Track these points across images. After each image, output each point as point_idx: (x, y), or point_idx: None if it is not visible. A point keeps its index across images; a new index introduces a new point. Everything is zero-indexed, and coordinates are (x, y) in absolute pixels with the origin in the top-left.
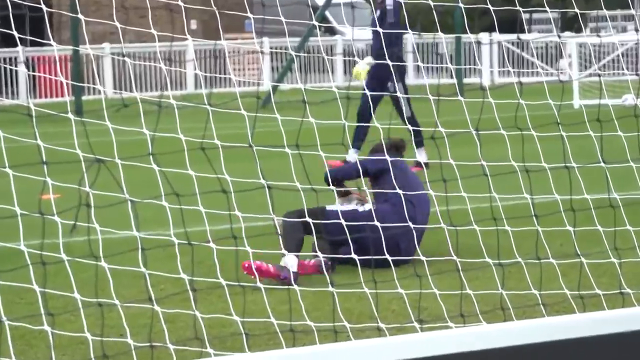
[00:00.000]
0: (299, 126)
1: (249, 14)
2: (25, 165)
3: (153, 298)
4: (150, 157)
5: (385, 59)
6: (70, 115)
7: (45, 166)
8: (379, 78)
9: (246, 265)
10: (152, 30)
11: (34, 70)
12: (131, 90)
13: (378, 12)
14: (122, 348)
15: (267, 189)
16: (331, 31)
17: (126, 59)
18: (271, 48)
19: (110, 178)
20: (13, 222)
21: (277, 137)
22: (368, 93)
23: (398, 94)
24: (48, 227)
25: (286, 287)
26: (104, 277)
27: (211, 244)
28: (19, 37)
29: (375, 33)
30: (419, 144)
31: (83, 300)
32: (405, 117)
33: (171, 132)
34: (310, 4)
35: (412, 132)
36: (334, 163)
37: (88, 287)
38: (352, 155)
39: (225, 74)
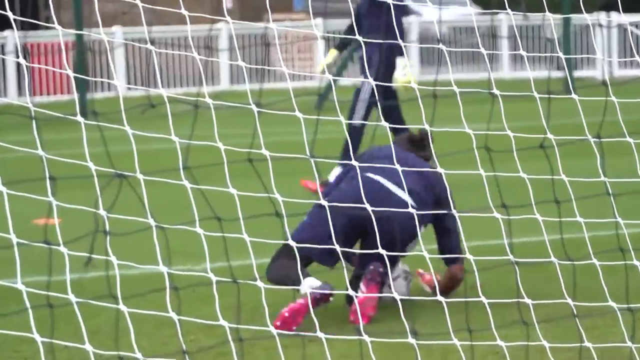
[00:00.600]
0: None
1: None
2: (24, 182)
3: (185, 351)
4: (181, 171)
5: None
6: (80, 118)
7: (48, 182)
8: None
9: (278, 323)
10: (183, 11)
11: (26, 61)
12: (149, 86)
13: None
14: None
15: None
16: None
17: (150, 46)
18: (327, 32)
19: (130, 198)
20: (7, 253)
21: (337, 145)
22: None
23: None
24: (47, 259)
25: (356, 337)
26: (121, 323)
27: (258, 282)
28: (8, 19)
29: (365, 16)
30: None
31: (96, 353)
32: (352, 124)
33: (206, 139)
34: None
35: (347, 141)
36: (308, 184)
37: (101, 337)
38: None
39: (270, 65)
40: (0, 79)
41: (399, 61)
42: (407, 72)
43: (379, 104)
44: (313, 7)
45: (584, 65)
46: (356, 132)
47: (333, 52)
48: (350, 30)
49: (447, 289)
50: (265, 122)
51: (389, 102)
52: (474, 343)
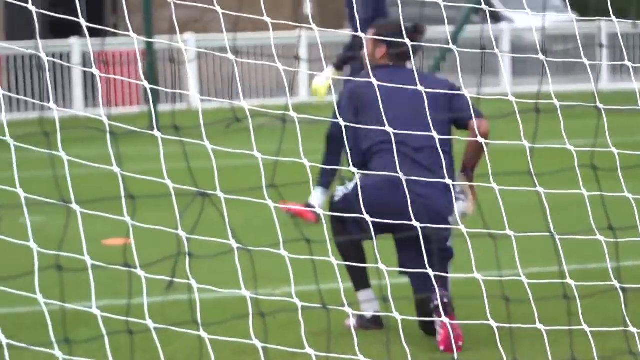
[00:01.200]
0: (455, 148)
1: None
2: (101, 201)
3: None
4: (264, 190)
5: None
6: (157, 133)
7: (123, 201)
8: None
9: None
10: (265, 18)
11: (94, 69)
12: (223, 97)
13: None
14: None
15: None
16: (495, 17)
17: (230, 55)
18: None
19: (210, 217)
20: (74, 275)
21: None
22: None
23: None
24: (120, 283)
25: None
26: (197, 351)
27: (346, 308)
28: (73, 25)
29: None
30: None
31: None
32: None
33: (289, 154)
34: None
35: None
36: (288, 207)
37: None
38: (317, 197)
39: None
40: (66, 89)
41: (326, 69)
42: (325, 82)
43: None
44: (395, 11)
45: None
46: (336, 144)
47: (331, 70)
48: (349, 49)
49: (476, 151)
50: None
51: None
52: None
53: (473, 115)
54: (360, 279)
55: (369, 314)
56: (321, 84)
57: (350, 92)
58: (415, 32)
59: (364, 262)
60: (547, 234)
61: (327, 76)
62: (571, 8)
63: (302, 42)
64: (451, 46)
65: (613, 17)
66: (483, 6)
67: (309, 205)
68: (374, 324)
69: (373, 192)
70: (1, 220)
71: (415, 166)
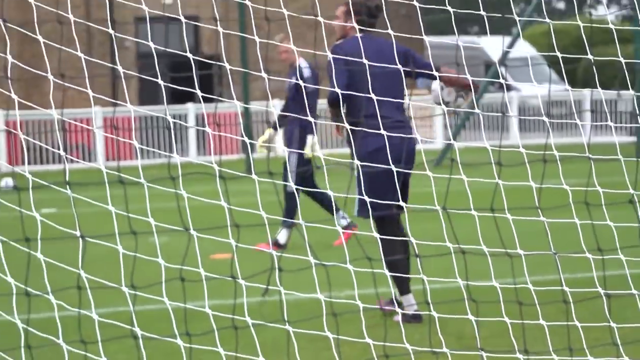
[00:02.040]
0: (479, 187)
1: (422, 71)
2: (215, 228)
3: None
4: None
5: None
6: (254, 176)
7: (229, 227)
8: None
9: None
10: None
11: (204, 128)
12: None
13: (293, 77)
14: None
15: (457, 252)
16: (504, 87)
17: (310, 117)
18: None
19: (295, 240)
20: (197, 283)
21: (459, 198)
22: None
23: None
24: (227, 287)
25: (473, 352)
26: (282, 341)
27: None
28: (188, 93)
29: (292, 99)
30: (286, 223)
31: None
32: (286, 189)
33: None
34: (484, 60)
35: (285, 207)
36: (261, 247)
37: (268, 349)
38: (284, 235)
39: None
40: (183, 141)
41: (309, 139)
42: (314, 149)
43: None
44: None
45: None
46: (292, 197)
47: (269, 130)
48: (284, 110)
49: (452, 78)
50: None
51: (305, 168)
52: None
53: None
54: (405, 287)
55: (410, 312)
56: (262, 138)
57: (340, 58)
58: (377, 9)
59: (408, 273)
60: (549, 252)
61: (267, 133)
62: (564, 80)
63: None
64: (476, 110)
65: (599, 89)
66: (500, 80)
67: (278, 245)
68: (415, 319)
69: (378, 174)
70: (137, 240)
71: (398, 112)
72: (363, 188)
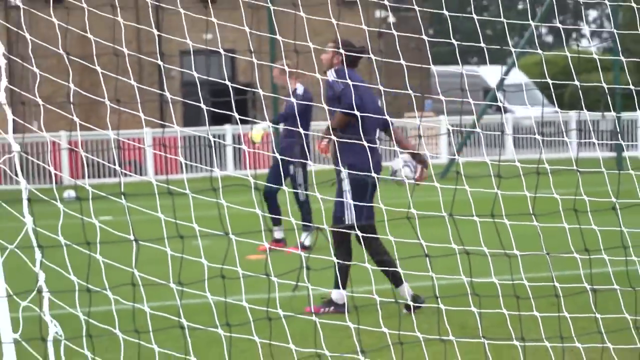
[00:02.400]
0: (480, 196)
1: (430, 96)
2: (250, 233)
3: (361, 350)
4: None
5: (292, 146)
6: (284, 187)
7: (263, 233)
8: (282, 160)
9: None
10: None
11: (241, 146)
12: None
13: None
14: None
15: (461, 253)
16: (501, 109)
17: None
18: (450, 126)
19: (320, 243)
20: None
21: (463, 206)
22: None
23: (297, 177)
24: (261, 283)
25: (477, 340)
26: (309, 329)
27: (408, 300)
28: (226, 116)
29: (292, 118)
30: (306, 227)
31: (297, 351)
32: (299, 199)
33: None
34: (483, 86)
35: (301, 214)
36: (292, 249)
37: (297, 338)
38: (308, 238)
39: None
40: (222, 157)
41: (263, 123)
42: (260, 131)
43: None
44: (437, 108)
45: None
46: (304, 205)
47: (268, 125)
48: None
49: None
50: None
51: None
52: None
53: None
54: (399, 280)
55: (408, 301)
56: (256, 133)
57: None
58: (361, 51)
59: (396, 267)
60: (542, 253)
61: (263, 127)
62: (554, 104)
63: None
64: (477, 130)
65: (584, 110)
66: (497, 103)
67: (277, 240)
68: (416, 301)
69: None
70: (183, 243)
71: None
72: (354, 197)
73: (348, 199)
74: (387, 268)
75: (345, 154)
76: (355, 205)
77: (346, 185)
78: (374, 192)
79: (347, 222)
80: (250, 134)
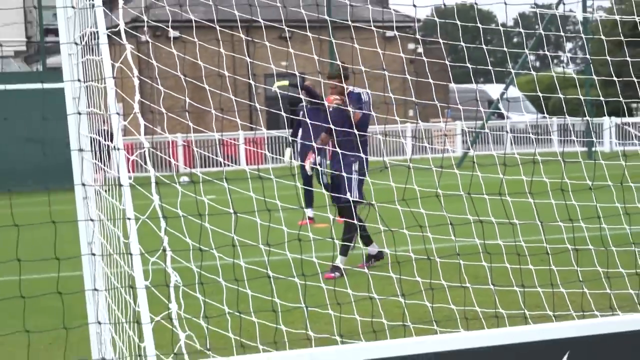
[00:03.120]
0: (489, 180)
1: (447, 105)
2: (319, 207)
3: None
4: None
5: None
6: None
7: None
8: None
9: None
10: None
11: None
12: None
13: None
14: None
15: (475, 222)
16: (501, 116)
17: (380, 135)
18: (466, 127)
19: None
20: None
21: (476, 187)
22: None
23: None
24: (327, 245)
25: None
26: (367, 281)
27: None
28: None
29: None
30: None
31: (354, 295)
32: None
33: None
34: (487, 99)
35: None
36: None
37: (356, 289)
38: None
39: (431, 144)
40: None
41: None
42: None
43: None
44: (455, 115)
45: (599, 144)
46: (327, 186)
47: (285, 83)
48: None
49: None
50: (417, 174)
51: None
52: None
53: None
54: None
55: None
56: (280, 83)
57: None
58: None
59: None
60: (536, 222)
61: (284, 82)
62: (541, 111)
63: (407, 130)
64: (485, 130)
65: (567, 116)
66: (498, 111)
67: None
68: (379, 255)
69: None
70: (270, 215)
71: None
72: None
73: (355, 183)
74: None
75: (356, 147)
76: (359, 186)
77: (355, 167)
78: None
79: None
80: (275, 84)
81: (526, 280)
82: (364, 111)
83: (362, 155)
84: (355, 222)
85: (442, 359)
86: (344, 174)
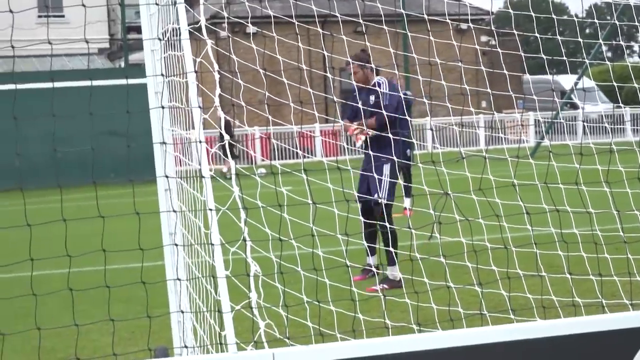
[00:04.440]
0: (564, 169)
1: (521, 96)
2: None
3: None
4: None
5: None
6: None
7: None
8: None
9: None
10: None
11: None
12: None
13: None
14: None
15: (552, 211)
16: (574, 106)
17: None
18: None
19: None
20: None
21: (551, 177)
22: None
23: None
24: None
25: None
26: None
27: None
28: None
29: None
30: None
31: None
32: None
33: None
34: (560, 90)
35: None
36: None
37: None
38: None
39: (505, 134)
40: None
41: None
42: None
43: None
44: (528, 106)
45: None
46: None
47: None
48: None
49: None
50: (493, 164)
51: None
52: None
53: None
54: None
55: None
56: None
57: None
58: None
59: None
60: (612, 210)
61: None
62: (615, 101)
63: (480, 121)
64: (559, 119)
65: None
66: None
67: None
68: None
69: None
70: (348, 205)
71: None
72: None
73: (385, 181)
74: (389, 248)
75: (389, 146)
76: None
77: (386, 170)
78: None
79: (380, 200)
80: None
81: (603, 269)
82: (386, 112)
83: (393, 157)
84: (390, 225)
85: (515, 348)
86: (375, 175)
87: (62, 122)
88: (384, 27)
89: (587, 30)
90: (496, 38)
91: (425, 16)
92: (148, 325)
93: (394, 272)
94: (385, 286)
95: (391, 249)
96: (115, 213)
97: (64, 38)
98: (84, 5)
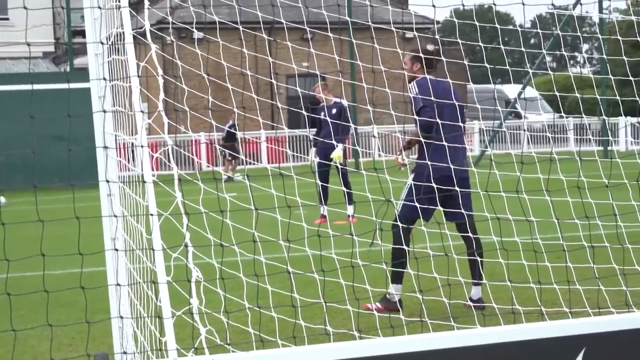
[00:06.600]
0: (506, 178)
1: (467, 104)
2: (337, 203)
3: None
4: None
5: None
6: (364, 172)
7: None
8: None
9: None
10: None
11: None
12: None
13: (333, 110)
14: None
15: (493, 219)
16: (518, 115)
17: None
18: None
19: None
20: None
21: (493, 185)
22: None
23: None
24: (345, 241)
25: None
26: (385, 277)
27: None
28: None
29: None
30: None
31: (372, 290)
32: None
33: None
34: (505, 99)
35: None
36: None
37: (376, 283)
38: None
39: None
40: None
41: (339, 146)
42: (338, 153)
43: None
44: (472, 115)
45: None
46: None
47: (341, 148)
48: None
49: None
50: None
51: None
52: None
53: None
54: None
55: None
56: (337, 153)
57: (424, 91)
58: (437, 52)
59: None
60: (553, 219)
61: (341, 149)
62: (557, 111)
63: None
64: (502, 129)
65: (583, 115)
66: (515, 110)
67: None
68: (397, 304)
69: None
70: (290, 212)
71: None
72: (409, 194)
73: (404, 195)
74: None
75: (422, 157)
76: (409, 202)
77: (408, 183)
78: (445, 193)
79: (396, 214)
80: (334, 155)
81: (543, 277)
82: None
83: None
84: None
85: (447, 357)
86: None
87: (5, 125)
88: (330, 34)
89: (532, 41)
90: (441, 47)
91: (371, 24)
92: (88, 331)
93: (392, 291)
94: (379, 305)
95: (387, 267)
96: (58, 217)
97: (8, 41)
98: (26, 8)
